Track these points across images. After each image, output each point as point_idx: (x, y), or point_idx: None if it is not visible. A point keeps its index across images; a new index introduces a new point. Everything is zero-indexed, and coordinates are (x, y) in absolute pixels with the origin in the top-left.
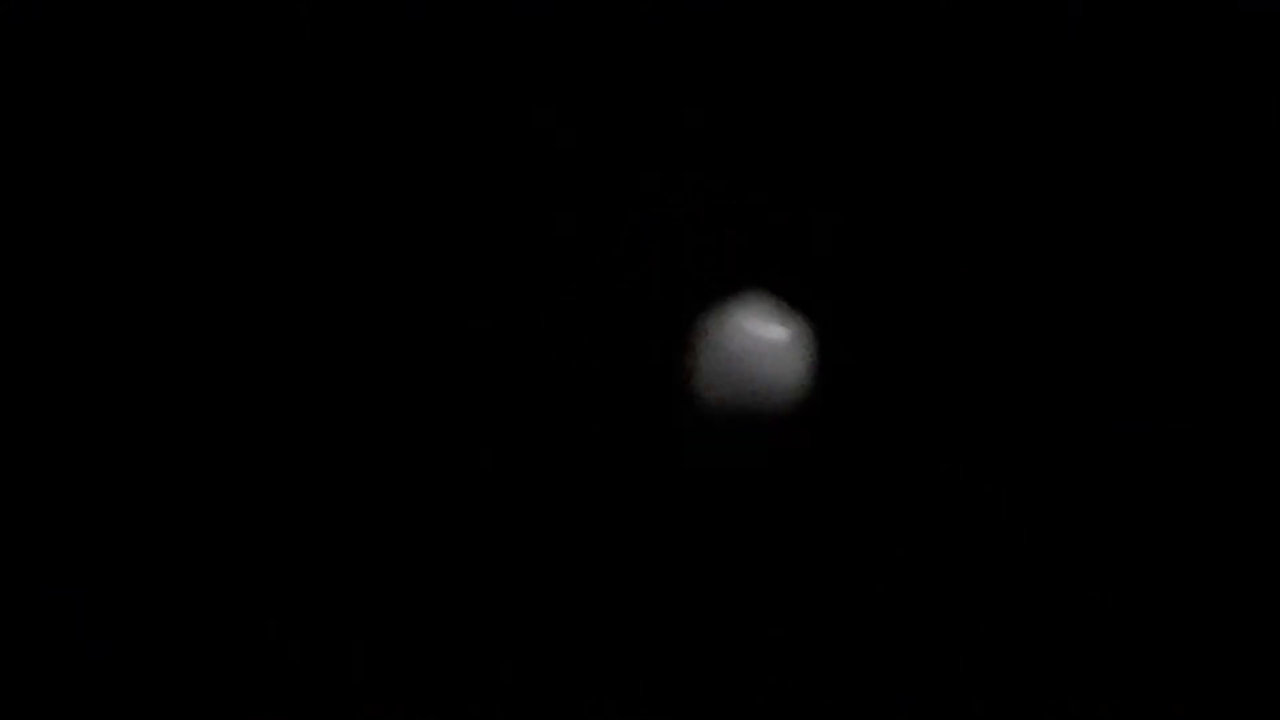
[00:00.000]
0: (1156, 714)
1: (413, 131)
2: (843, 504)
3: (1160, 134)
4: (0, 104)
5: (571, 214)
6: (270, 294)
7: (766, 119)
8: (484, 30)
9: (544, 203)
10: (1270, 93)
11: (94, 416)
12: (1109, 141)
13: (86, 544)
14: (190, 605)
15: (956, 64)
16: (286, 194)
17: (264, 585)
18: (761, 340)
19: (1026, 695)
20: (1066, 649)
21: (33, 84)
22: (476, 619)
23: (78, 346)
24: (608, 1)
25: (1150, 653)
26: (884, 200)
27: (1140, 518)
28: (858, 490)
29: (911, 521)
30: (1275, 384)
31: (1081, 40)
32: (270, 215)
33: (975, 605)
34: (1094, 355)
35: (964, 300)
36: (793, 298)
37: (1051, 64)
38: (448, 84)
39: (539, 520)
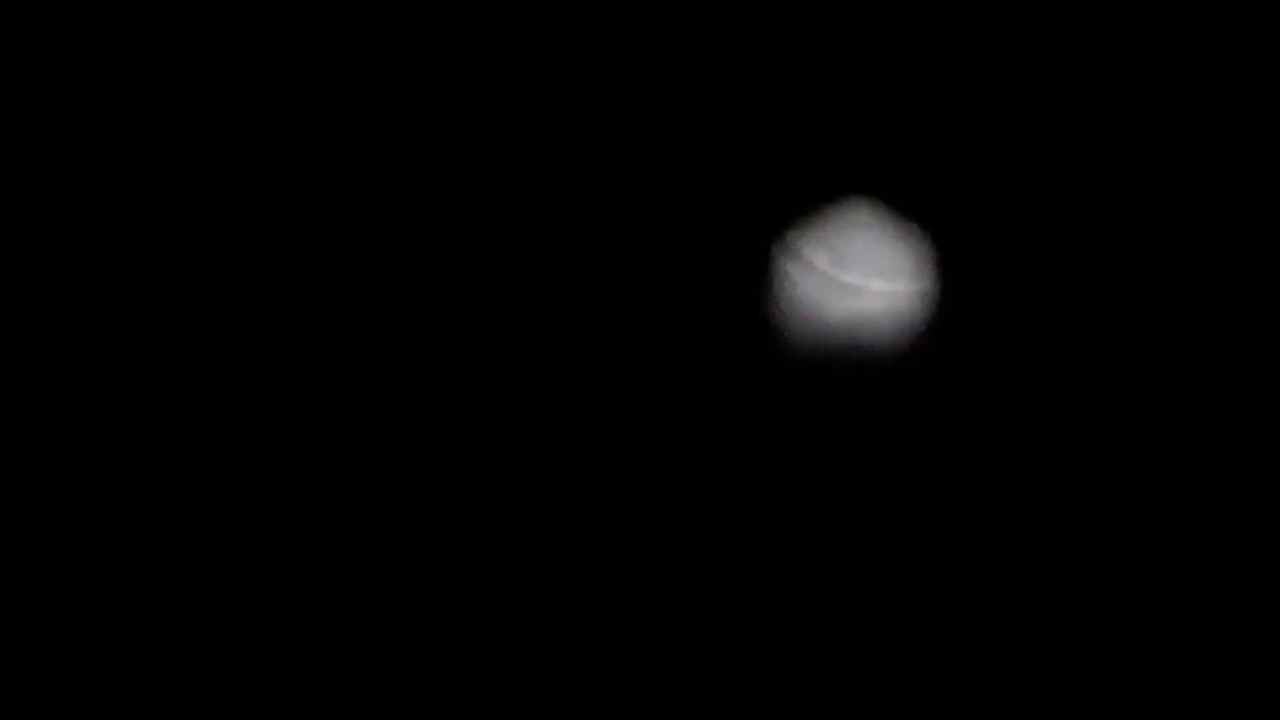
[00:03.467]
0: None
1: (413, 132)
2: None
3: (1161, 134)
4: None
5: (571, 213)
6: (270, 295)
7: (766, 118)
8: (484, 30)
9: (544, 202)
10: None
11: (95, 416)
12: (1108, 143)
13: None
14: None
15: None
16: (288, 195)
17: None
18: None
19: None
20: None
21: (34, 84)
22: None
23: (78, 346)
24: (607, 1)
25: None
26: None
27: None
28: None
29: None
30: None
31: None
32: (272, 217)
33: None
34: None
35: (964, 302)
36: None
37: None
38: (448, 84)
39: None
